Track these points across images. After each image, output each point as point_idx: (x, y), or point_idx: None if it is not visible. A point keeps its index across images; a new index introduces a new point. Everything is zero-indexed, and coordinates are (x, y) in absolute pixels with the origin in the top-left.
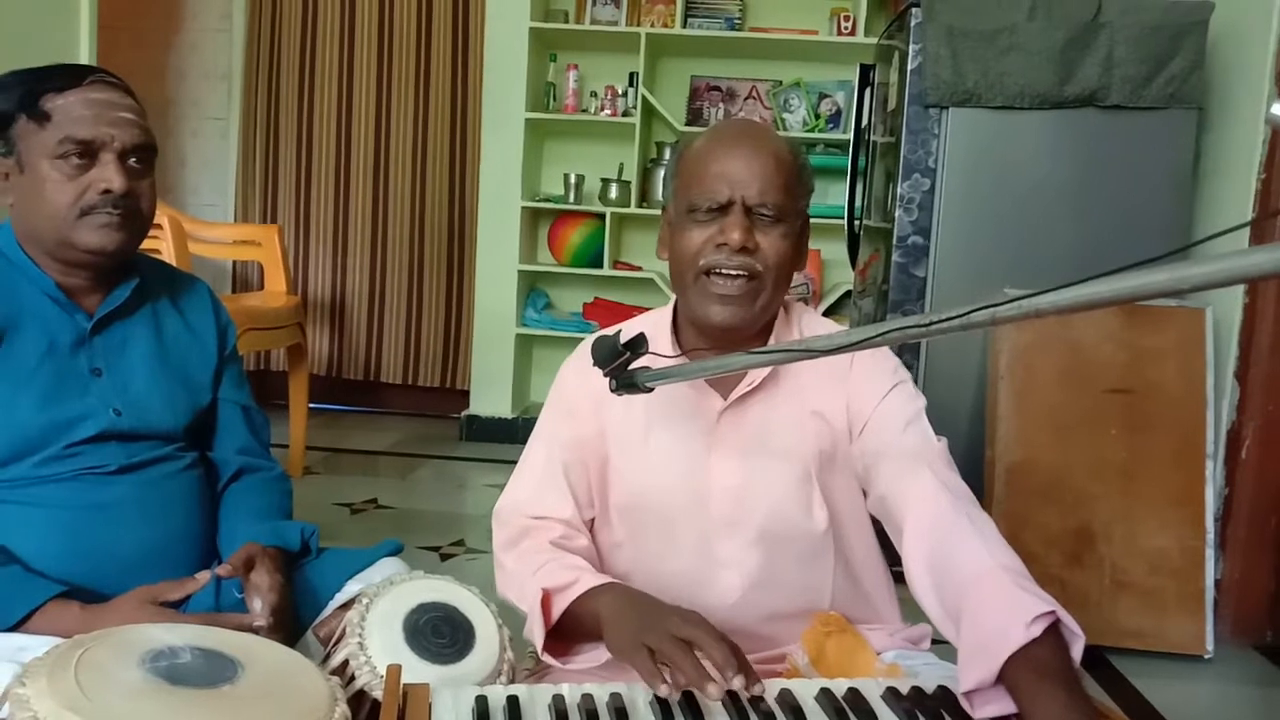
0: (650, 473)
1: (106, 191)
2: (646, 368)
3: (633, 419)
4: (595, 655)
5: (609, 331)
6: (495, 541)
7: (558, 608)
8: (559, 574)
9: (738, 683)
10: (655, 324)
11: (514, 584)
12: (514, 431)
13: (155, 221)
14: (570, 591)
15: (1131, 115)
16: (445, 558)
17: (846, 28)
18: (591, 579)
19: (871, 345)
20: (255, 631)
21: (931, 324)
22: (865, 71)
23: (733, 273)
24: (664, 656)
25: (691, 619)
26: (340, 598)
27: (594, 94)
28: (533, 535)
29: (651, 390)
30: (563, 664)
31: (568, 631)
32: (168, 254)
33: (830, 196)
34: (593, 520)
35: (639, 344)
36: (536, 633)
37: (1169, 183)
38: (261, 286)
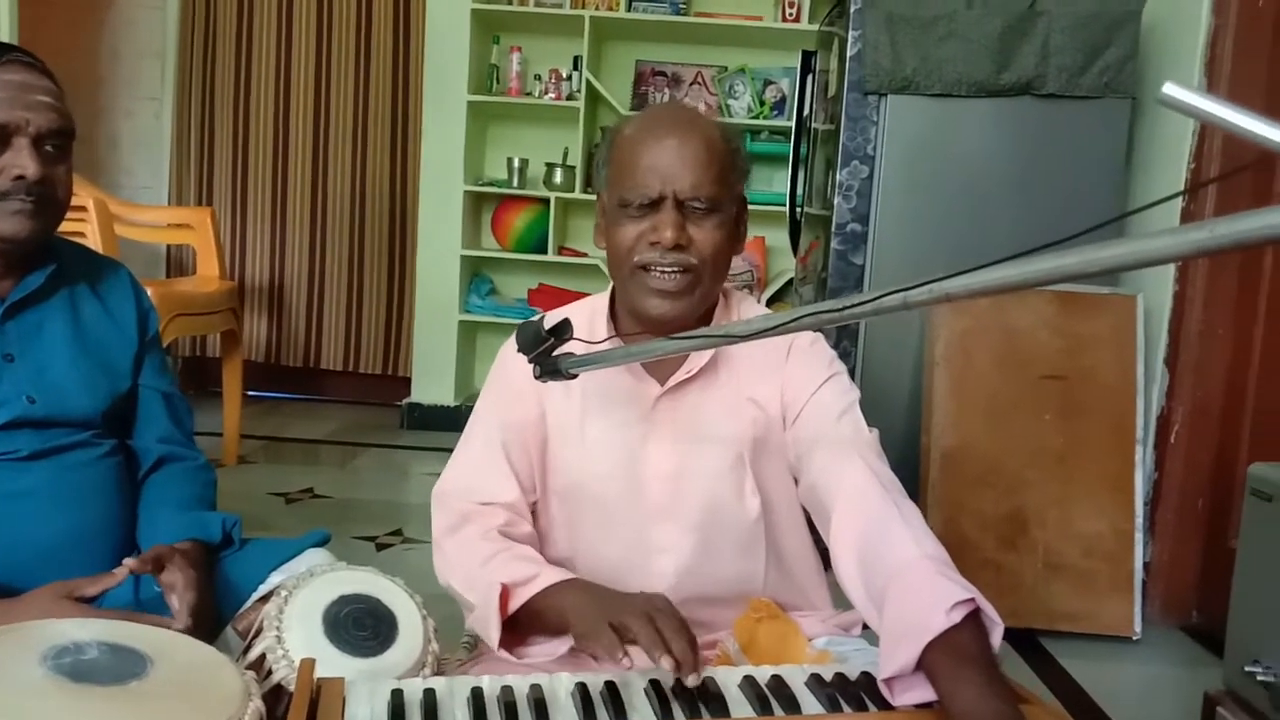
0: (587, 458)
1: (20, 178)
2: (571, 354)
3: (570, 404)
4: (551, 649)
5: (535, 318)
6: (435, 525)
7: (516, 602)
8: (516, 568)
9: (691, 680)
10: (593, 309)
11: (457, 571)
12: (457, 419)
13: (80, 204)
14: (531, 586)
15: (1067, 104)
16: (381, 548)
17: (791, 14)
18: (552, 574)
19: (787, 330)
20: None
21: (845, 308)
22: (807, 58)
23: (668, 270)
24: (628, 630)
25: (657, 603)
26: (262, 589)
27: (538, 77)
28: (475, 521)
29: (575, 376)
30: (518, 657)
31: (521, 625)
32: (92, 237)
33: (776, 184)
34: (534, 503)
35: (563, 330)
36: (492, 625)
37: (1103, 171)
38: (195, 271)
